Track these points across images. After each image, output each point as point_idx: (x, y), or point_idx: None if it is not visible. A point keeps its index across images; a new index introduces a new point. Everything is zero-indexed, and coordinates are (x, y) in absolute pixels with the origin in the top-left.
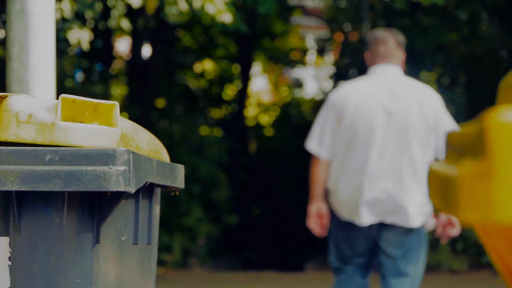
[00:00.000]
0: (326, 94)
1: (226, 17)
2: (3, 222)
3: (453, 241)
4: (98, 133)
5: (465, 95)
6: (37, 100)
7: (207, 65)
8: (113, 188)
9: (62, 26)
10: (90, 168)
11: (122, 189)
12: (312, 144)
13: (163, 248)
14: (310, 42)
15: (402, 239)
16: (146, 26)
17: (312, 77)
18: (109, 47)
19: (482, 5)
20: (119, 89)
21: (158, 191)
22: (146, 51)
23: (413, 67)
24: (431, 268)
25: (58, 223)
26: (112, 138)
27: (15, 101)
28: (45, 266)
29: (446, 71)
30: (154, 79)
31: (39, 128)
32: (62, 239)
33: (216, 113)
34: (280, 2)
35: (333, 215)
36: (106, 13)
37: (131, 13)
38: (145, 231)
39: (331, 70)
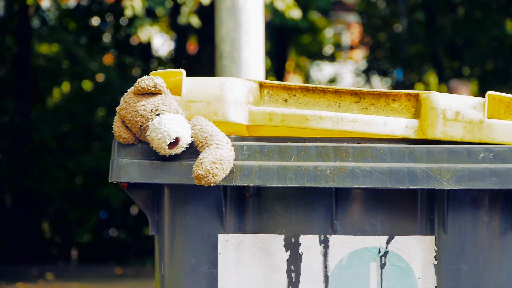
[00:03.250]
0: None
1: (295, 13)
2: (427, 221)
3: None
4: None
5: None
6: (461, 98)
7: None
8: None
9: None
10: None
11: None
12: None
13: None
14: (329, 37)
15: None
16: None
17: (346, 72)
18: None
19: None
20: None
21: None
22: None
23: (467, 61)
24: None
25: (486, 222)
26: None
27: (441, 98)
28: (473, 265)
29: (498, 64)
30: (202, 75)
31: (467, 126)
32: (489, 238)
33: None
34: None
35: None
36: (176, 9)
37: (175, 8)
38: None
39: (363, 65)
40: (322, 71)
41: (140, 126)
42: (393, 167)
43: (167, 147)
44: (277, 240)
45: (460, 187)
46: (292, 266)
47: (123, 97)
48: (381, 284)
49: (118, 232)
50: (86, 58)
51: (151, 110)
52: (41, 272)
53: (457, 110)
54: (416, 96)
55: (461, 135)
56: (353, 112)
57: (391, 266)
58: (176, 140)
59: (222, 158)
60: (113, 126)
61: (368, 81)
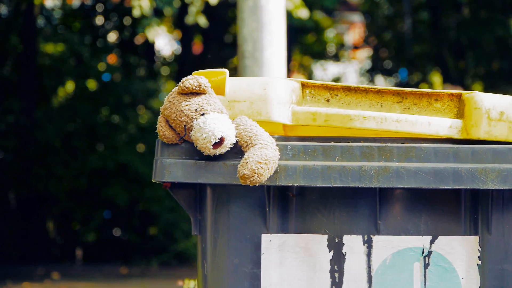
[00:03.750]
0: None
1: (303, 13)
2: (471, 221)
3: None
4: None
5: None
6: (505, 98)
7: None
8: None
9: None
10: None
11: None
12: None
13: None
14: (333, 36)
15: None
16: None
17: (350, 72)
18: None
19: None
20: (168, 85)
21: None
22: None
23: (472, 61)
24: None
25: None
26: None
27: (484, 98)
28: None
29: (504, 64)
30: None
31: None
32: None
33: None
34: None
35: None
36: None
37: (181, 8)
38: None
39: (367, 64)
40: (326, 71)
41: (185, 125)
42: (438, 167)
43: (211, 147)
44: (320, 240)
45: (505, 187)
46: (335, 266)
47: (167, 96)
48: (425, 284)
49: (123, 232)
50: (90, 57)
51: (196, 109)
52: (46, 271)
53: (501, 110)
54: (459, 96)
55: (505, 135)
56: (395, 112)
57: (435, 266)
58: (221, 140)
59: (267, 158)
60: (157, 126)
61: (371, 80)
